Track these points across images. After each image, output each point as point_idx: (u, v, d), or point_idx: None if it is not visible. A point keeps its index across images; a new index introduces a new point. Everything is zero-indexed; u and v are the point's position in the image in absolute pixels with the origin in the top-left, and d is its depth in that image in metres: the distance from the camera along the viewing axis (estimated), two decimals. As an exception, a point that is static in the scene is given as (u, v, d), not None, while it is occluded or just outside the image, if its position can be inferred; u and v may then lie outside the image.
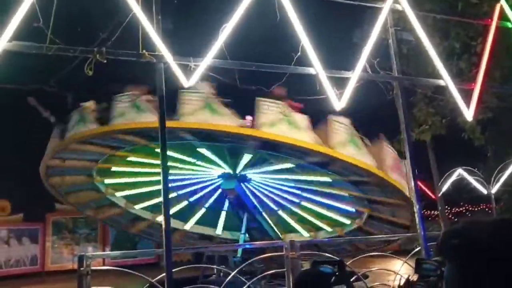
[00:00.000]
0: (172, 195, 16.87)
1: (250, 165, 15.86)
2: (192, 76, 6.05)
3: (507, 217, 1.32)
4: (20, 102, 17.89)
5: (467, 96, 7.83)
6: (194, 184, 17.47)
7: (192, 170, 16.49)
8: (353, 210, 16.67)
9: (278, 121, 12.69)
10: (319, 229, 17.55)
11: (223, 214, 17.70)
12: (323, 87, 6.69)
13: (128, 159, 15.80)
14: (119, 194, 17.48)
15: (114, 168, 16.50)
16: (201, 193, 17.68)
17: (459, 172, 16.77)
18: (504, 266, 1.17)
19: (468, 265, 1.22)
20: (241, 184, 16.09)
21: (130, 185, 17.26)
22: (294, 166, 15.08)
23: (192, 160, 15.81)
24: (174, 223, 17.79)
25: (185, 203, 17.76)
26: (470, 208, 39.12)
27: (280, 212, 17.44)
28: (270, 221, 16.36)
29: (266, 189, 17.22)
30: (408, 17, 7.44)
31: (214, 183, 17.12)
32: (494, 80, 11.67)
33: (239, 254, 14.64)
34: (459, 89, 7.76)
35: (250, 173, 16.33)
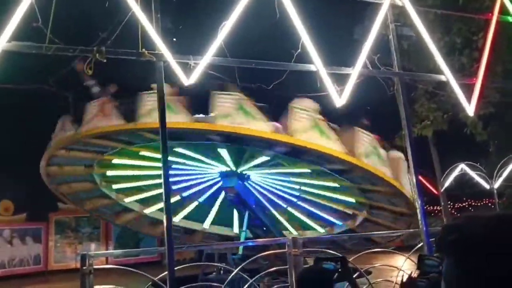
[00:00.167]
0: (176, 198, 16.97)
1: (259, 165, 15.87)
2: (192, 74, 6.04)
3: (506, 212, 1.31)
4: (21, 102, 17.92)
5: (468, 91, 7.81)
6: (197, 184, 17.47)
7: (192, 167, 16.49)
8: (350, 212, 16.74)
9: (309, 128, 12.76)
10: (332, 223, 17.55)
11: (235, 212, 17.69)
12: (324, 83, 6.68)
13: (141, 153, 15.79)
14: (115, 186, 17.50)
15: (116, 161, 16.49)
16: (209, 192, 17.68)
17: (462, 167, 16.75)
18: (503, 262, 1.16)
19: (466, 260, 1.21)
20: (242, 182, 16.09)
21: (131, 178, 17.29)
22: (310, 171, 15.13)
23: (197, 157, 15.81)
24: (192, 225, 17.96)
25: (195, 203, 17.82)
26: (473, 203, 39.08)
27: (273, 211, 17.43)
28: (271, 218, 16.39)
29: (264, 188, 17.24)
30: (408, 13, 7.42)
31: (215, 181, 17.12)
32: (496, 75, 11.64)
33: (240, 251, 14.64)
34: (461, 84, 7.74)
35: (251, 172, 16.33)
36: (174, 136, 13.26)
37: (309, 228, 17.68)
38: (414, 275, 3.74)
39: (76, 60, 12.56)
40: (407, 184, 13.78)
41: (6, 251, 22.80)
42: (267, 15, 6.77)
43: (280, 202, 17.49)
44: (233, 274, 7.74)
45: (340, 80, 6.84)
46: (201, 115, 13.32)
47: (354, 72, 6.83)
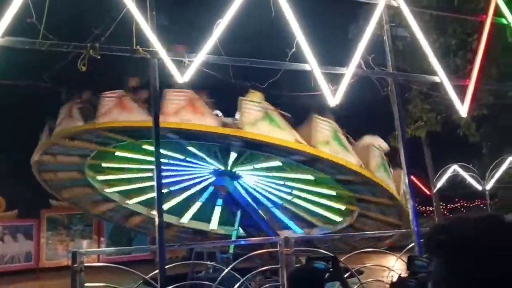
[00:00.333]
0: (164, 190, 16.90)
1: (240, 162, 15.89)
2: (186, 72, 6.03)
3: (495, 213, 1.31)
4: (13, 99, 17.81)
5: (462, 92, 7.83)
6: (187, 180, 17.46)
7: (184, 166, 16.48)
8: (343, 208, 16.75)
9: (260, 120, 12.74)
10: (313, 226, 17.59)
11: (217, 210, 17.71)
12: (318, 83, 6.68)
13: (116, 153, 15.73)
14: (112, 190, 17.45)
15: (104, 164, 16.44)
16: (195, 189, 17.66)
17: (454, 168, 16.87)
18: (493, 264, 1.16)
19: (455, 262, 1.21)
20: (233, 180, 16.10)
21: (123, 181, 17.24)
22: (281, 164, 15.12)
23: (183, 157, 15.81)
24: (169, 218, 17.85)
25: (179, 198, 17.75)
26: (465, 204, 39.31)
27: (273, 209, 17.47)
28: (264, 217, 16.37)
29: (257, 186, 17.26)
30: (403, 13, 7.43)
31: (206, 179, 17.13)
32: (490, 77, 11.70)
33: (231, 250, 14.64)
34: (455, 86, 7.76)
35: (241, 170, 16.35)
36: (192, 137, 13.35)
37: (314, 226, 17.69)
38: (404, 275, 3.76)
39: (128, 78, 12.58)
40: (385, 176, 13.92)
41: (-3, 248, 22.70)
42: (262, 14, 6.76)
43: (266, 202, 17.51)
44: (224, 272, 7.73)
45: (335, 80, 6.85)
46: (228, 119, 13.43)
47: (348, 72, 6.83)
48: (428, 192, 22.50)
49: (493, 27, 8.08)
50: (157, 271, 5.69)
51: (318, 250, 8.58)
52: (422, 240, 6.73)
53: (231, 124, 13.20)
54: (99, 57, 5.55)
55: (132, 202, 17.90)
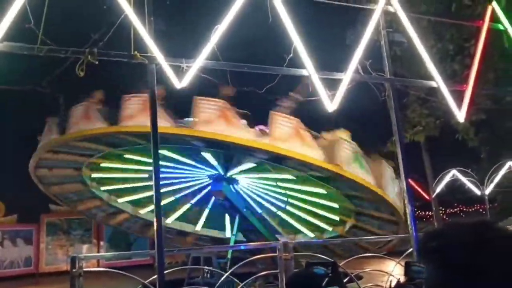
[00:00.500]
0: (170, 199, 16.95)
1: (247, 171, 15.90)
2: (184, 77, 6.04)
3: (486, 219, 1.32)
4: (13, 103, 17.83)
5: (460, 97, 7.85)
6: (189, 187, 17.48)
7: (181, 170, 16.50)
8: (337, 219, 16.79)
9: (290, 137, 12.83)
10: (322, 229, 17.59)
11: (227, 216, 17.70)
12: (316, 88, 6.69)
13: (125, 156, 15.76)
14: (104, 188, 17.46)
15: (104, 164, 16.45)
16: (200, 195, 17.69)
17: (453, 173, 16.86)
18: (483, 270, 1.16)
19: (446, 268, 1.21)
20: (230, 186, 16.10)
21: (119, 180, 17.27)
22: (295, 178, 15.18)
23: (187, 161, 15.83)
24: (184, 227, 17.96)
25: (188, 205, 17.83)
26: (464, 209, 39.26)
27: (264, 215, 17.47)
28: (272, 223, 16.46)
29: (252, 192, 17.28)
30: (400, 19, 7.46)
31: (205, 184, 17.15)
32: (487, 82, 11.74)
33: (229, 255, 14.64)
34: (452, 91, 7.78)
35: (240, 176, 16.36)
36: (219, 146, 13.39)
37: (299, 232, 17.71)
38: (402, 281, 3.76)
39: (220, 87, 12.66)
40: (392, 192, 14.02)
41: (-3, 253, 22.66)
42: (259, 20, 6.78)
43: (269, 206, 17.52)
44: (224, 277, 7.74)
45: (332, 85, 6.86)
46: (184, 120, 13.46)
47: (346, 78, 6.84)
48: (427, 197, 22.48)
49: (490, 32, 8.11)
50: (156, 276, 5.69)
51: (317, 255, 8.58)
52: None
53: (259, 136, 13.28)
54: (97, 62, 5.57)
55: (121, 201, 17.92)
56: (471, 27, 10.95)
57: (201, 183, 17.22)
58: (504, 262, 1.16)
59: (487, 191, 16.49)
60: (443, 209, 34.09)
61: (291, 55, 6.52)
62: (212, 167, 15.95)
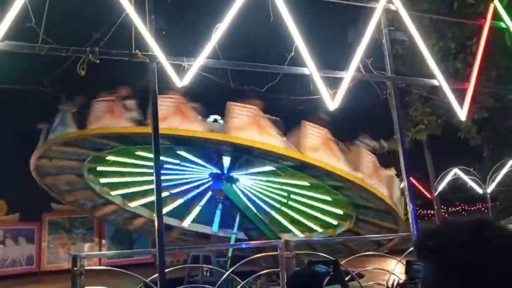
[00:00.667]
0: (164, 194, 16.91)
1: (235, 167, 15.87)
2: (185, 76, 6.04)
3: (484, 217, 1.31)
4: (14, 102, 17.83)
5: (462, 95, 7.83)
6: (187, 183, 17.47)
7: (183, 167, 16.50)
8: (340, 212, 16.75)
9: (248, 126, 12.74)
10: (312, 230, 17.58)
11: (218, 213, 17.71)
12: (317, 87, 6.69)
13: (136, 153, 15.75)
14: (114, 192, 17.46)
15: (102, 168, 16.44)
16: (195, 192, 17.67)
17: (455, 171, 16.85)
18: (480, 268, 1.16)
19: (444, 267, 1.21)
20: (230, 184, 16.09)
21: (120, 174, 17.27)
22: (274, 168, 15.13)
23: (177, 162, 15.86)
24: (171, 221, 17.87)
25: (179, 201, 17.76)
26: (466, 208, 39.19)
27: (272, 212, 17.46)
28: (264, 221, 16.38)
29: (254, 190, 17.27)
30: (402, 17, 7.44)
31: (205, 183, 17.15)
32: (489, 80, 11.72)
33: (229, 253, 14.63)
34: (454, 89, 7.77)
35: (237, 174, 16.35)
36: (182, 142, 13.35)
37: (288, 231, 17.68)
38: (403, 280, 3.76)
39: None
40: (399, 203, 14.08)
41: (-1, 251, 22.70)
42: (261, 18, 6.78)
43: (264, 206, 17.50)
44: (225, 275, 7.74)
45: (334, 84, 6.85)
46: (216, 123, 13.47)
47: (347, 76, 6.84)
48: (429, 196, 22.45)
49: (492, 31, 8.09)
50: (157, 274, 5.70)
51: (318, 254, 8.58)
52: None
53: (219, 129, 13.18)
54: (98, 61, 5.57)
55: (133, 205, 17.90)
56: (473, 25, 10.93)
57: (201, 179, 17.20)
58: (503, 261, 1.16)
59: (489, 189, 16.48)
60: (445, 207, 34.01)
61: (293, 53, 6.51)
62: (219, 167, 15.93)
